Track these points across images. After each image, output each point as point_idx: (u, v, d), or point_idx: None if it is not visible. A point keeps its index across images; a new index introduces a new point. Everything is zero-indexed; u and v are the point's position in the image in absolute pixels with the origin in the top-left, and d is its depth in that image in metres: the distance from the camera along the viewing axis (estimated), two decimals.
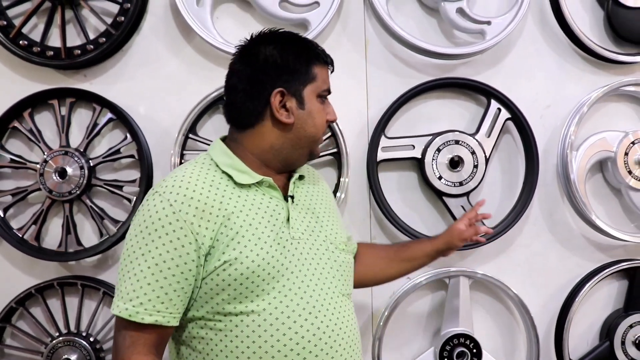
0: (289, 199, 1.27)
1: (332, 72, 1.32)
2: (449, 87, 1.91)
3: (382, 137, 1.87)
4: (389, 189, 1.92)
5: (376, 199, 1.87)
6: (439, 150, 1.87)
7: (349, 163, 1.87)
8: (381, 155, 1.88)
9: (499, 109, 1.90)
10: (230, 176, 1.22)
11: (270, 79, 1.22)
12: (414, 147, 1.89)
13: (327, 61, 1.30)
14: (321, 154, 1.85)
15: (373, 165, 1.86)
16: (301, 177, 1.35)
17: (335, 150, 1.87)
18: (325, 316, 1.21)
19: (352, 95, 1.91)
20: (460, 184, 1.87)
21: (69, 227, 1.83)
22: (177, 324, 1.17)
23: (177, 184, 1.17)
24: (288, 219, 1.24)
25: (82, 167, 1.79)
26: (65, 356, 1.84)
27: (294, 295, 1.19)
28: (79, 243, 1.84)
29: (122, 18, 1.76)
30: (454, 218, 1.88)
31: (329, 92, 1.31)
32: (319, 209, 1.33)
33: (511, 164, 1.98)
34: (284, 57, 1.23)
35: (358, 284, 1.45)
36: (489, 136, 1.90)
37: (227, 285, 1.16)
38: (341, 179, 1.86)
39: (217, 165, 1.23)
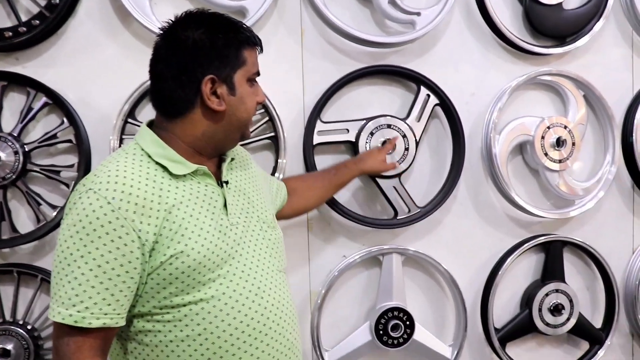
0: (224, 184, 1.27)
1: (260, 52, 1.29)
2: (381, 74, 2.01)
3: (318, 122, 1.94)
4: None
5: None
6: (372, 133, 1.96)
7: (287, 147, 1.92)
8: (317, 138, 1.95)
9: (428, 95, 2.01)
10: (164, 167, 1.18)
11: (200, 66, 1.18)
12: (348, 131, 1.97)
13: (255, 42, 1.26)
14: (259, 137, 1.91)
15: (309, 149, 1.93)
16: (232, 160, 1.35)
17: (272, 134, 1.92)
18: (270, 295, 1.25)
19: (289, 81, 1.97)
20: None
21: (3, 214, 1.80)
22: (124, 323, 1.14)
23: (113, 179, 1.12)
24: (225, 205, 1.24)
25: (16, 152, 1.76)
26: (1, 346, 1.80)
27: (239, 279, 1.21)
28: (14, 230, 1.81)
29: (57, 0, 1.74)
30: (387, 199, 1.98)
31: (258, 74, 1.29)
32: (250, 190, 1.35)
33: (439, 147, 2.10)
34: (213, 43, 1.19)
35: (301, 211, 1.76)
36: (418, 120, 2.01)
37: (174, 279, 1.15)
38: (279, 161, 1.92)
39: (150, 156, 1.19)
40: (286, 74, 1.96)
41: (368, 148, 1.95)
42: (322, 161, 1.98)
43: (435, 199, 2.04)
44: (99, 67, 1.83)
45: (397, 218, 2.00)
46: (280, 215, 1.61)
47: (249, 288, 1.22)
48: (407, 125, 1.99)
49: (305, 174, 1.91)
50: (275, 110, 1.88)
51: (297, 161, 1.96)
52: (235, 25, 1.24)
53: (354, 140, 1.96)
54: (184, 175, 1.20)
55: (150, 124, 1.27)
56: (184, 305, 1.16)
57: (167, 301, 1.16)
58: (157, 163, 1.19)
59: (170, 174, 1.19)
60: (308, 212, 1.86)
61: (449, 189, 2.03)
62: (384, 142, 1.94)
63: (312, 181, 1.78)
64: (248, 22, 1.78)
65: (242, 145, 1.52)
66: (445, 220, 2.11)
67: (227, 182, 1.28)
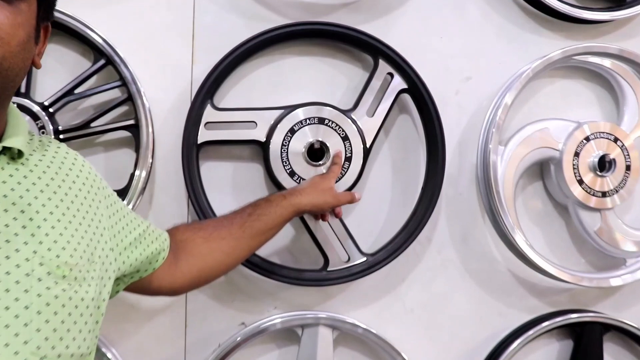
0: None
1: None
2: (316, 37, 1.27)
3: (208, 107, 1.22)
4: (218, 188, 1.27)
5: (194, 204, 1.20)
6: (292, 131, 1.22)
7: (155, 145, 1.21)
8: (204, 134, 1.22)
9: (391, 75, 1.26)
10: None
11: None
12: (256, 124, 1.23)
13: None
14: (112, 126, 1.20)
15: (190, 151, 1.21)
16: (19, 155, 0.77)
17: (132, 121, 1.20)
18: None
19: (169, 40, 1.25)
20: None
21: None
22: None
23: None
24: None
25: None
26: None
27: None
28: None
29: None
30: (314, 238, 1.24)
31: None
32: (39, 206, 0.76)
33: (406, 160, 1.34)
34: None
35: (195, 280, 1.04)
36: (372, 115, 1.26)
37: None
38: (136, 172, 1.19)
39: None
40: (165, 27, 1.25)
41: (286, 154, 1.21)
42: (214, 171, 1.27)
43: (394, 241, 1.28)
44: None
45: (328, 270, 1.25)
46: (153, 287, 0.99)
47: None
48: (352, 121, 1.24)
49: (202, 220, 1.19)
50: (137, 83, 1.17)
51: (171, 171, 1.23)
52: None
53: (263, 140, 1.22)
54: None
55: None
56: None
57: None
58: None
59: None
60: (209, 280, 1.07)
61: (417, 227, 1.27)
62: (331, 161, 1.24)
63: (212, 229, 1.06)
64: None
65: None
66: (410, 277, 1.34)
67: None
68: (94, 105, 1.22)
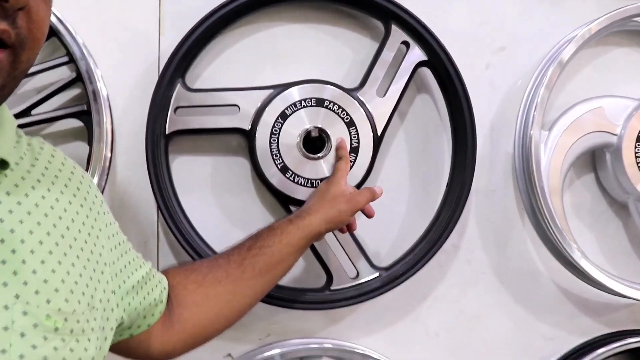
0: None
1: None
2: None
3: (179, 88, 0.97)
4: (194, 189, 1.02)
5: (162, 212, 0.96)
6: (284, 116, 0.97)
7: (114, 137, 0.97)
8: (174, 122, 0.98)
9: (406, 45, 1.01)
10: None
11: None
12: (238, 108, 0.99)
13: None
14: (57, 113, 0.96)
15: (156, 143, 0.97)
16: (2, 165, 0.57)
17: (83, 107, 0.96)
18: None
19: (130, 3, 1.00)
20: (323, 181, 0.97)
21: None
22: None
23: None
24: None
25: None
26: None
27: None
28: None
29: None
30: (315, 252, 1.00)
31: None
32: (25, 233, 0.55)
33: (427, 150, 1.09)
34: None
35: (197, 341, 0.80)
36: (384, 95, 1.01)
37: None
38: (90, 167, 0.95)
39: None
40: None
41: (276, 145, 0.97)
42: (188, 167, 1.03)
43: (414, 252, 1.03)
44: None
45: (332, 289, 1.00)
46: (140, 350, 0.76)
47: None
48: (360, 102, 0.99)
49: (195, 261, 0.94)
50: (85, 56, 0.94)
51: (135, 170, 0.99)
52: None
53: (247, 128, 0.97)
54: None
55: None
56: None
57: None
58: None
59: None
60: (207, 339, 0.82)
61: (441, 233, 1.02)
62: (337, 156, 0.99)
63: (206, 270, 0.82)
64: None
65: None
66: (433, 295, 1.10)
67: None
68: (38, 88, 0.98)
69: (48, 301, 0.53)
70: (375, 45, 1.02)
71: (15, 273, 0.51)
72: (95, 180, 0.95)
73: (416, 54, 1.01)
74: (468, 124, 1.01)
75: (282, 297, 0.99)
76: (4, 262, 0.51)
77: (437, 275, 1.09)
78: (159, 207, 0.97)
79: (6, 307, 0.49)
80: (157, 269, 0.81)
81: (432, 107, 1.08)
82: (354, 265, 1.01)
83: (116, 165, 1.00)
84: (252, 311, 0.97)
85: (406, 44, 1.01)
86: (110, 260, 0.65)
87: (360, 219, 0.97)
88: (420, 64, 1.01)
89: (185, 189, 1.01)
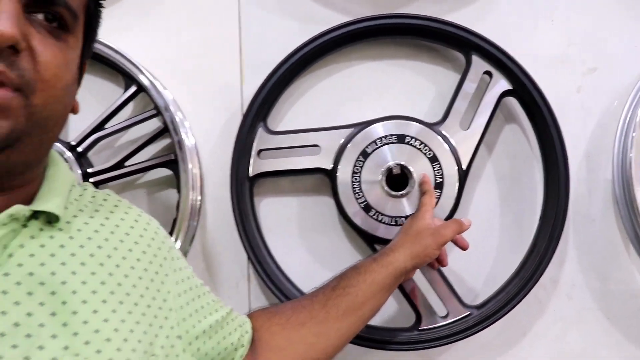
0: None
1: None
2: (389, 34, 1.01)
3: (260, 131, 0.99)
4: (280, 229, 1.04)
5: (248, 253, 0.98)
6: (365, 154, 0.96)
7: (203, 184, 1.01)
8: (258, 164, 0.99)
9: (489, 74, 0.97)
10: None
11: None
12: (320, 148, 0.99)
13: None
14: (147, 164, 1.01)
15: (241, 186, 0.99)
16: (57, 219, 0.58)
17: (171, 157, 1.00)
18: None
19: (211, 57, 1.04)
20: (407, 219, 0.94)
21: None
22: None
23: None
24: None
25: None
26: None
27: None
28: None
29: None
30: (403, 290, 0.98)
31: None
32: (77, 284, 0.55)
33: (517, 181, 1.03)
34: None
35: None
36: (467, 127, 0.98)
37: None
38: (179, 212, 0.98)
39: None
40: (205, 43, 1.04)
41: (358, 184, 0.96)
42: (274, 208, 1.04)
43: (507, 288, 0.98)
44: None
45: (420, 329, 0.97)
46: None
47: None
48: (443, 136, 0.96)
49: (280, 304, 0.91)
50: (169, 108, 0.98)
51: (224, 214, 1.01)
52: None
53: (329, 167, 0.97)
54: None
55: None
56: None
57: None
58: None
59: None
60: None
61: (537, 267, 0.96)
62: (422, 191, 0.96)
63: (290, 312, 0.81)
64: None
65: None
66: (532, 332, 1.03)
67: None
68: (132, 140, 1.04)
69: (98, 351, 0.52)
70: (457, 77, 1.00)
71: (65, 324, 0.51)
72: (185, 224, 0.98)
73: (500, 83, 0.97)
74: (559, 153, 0.96)
75: (370, 338, 0.96)
76: (54, 314, 0.51)
77: (536, 311, 1.03)
78: (245, 250, 0.99)
79: (57, 355, 0.50)
80: (249, 311, 0.83)
81: (521, 136, 1.03)
82: (444, 304, 0.97)
83: (206, 210, 1.03)
84: (342, 353, 0.96)
85: (489, 73, 0.97)
86: (178, 305, 0.65)
87: (450, 256, 0.94)
88: (505, 94, 0.97)
89: (271, 230, 1.02)
